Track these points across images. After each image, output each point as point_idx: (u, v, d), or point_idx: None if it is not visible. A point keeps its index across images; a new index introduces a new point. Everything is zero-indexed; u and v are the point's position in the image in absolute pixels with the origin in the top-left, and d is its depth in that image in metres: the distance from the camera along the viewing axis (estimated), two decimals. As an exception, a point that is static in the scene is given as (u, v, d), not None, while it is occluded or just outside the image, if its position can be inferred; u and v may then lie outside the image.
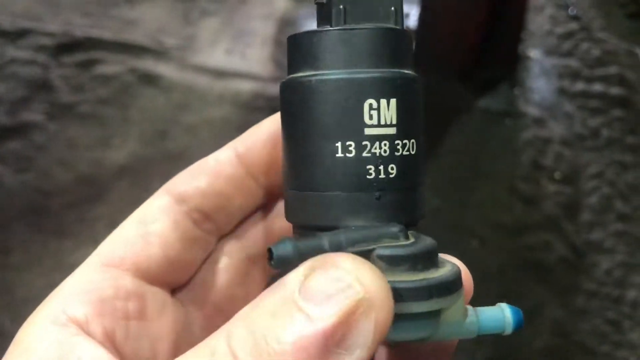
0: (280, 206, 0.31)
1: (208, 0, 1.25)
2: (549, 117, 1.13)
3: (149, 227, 0.28)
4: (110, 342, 0.26)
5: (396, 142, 0.24)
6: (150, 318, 0.28)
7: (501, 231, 1.00)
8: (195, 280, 0.30)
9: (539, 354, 0.91)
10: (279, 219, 0.31)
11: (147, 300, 0.28)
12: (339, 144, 0.24)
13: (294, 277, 0.22)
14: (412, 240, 0.24)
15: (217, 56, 1.17)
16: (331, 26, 0.25)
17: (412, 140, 0.25)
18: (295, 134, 0.26)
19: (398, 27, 0.25)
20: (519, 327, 0.26)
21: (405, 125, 0.25)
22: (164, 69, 1.15)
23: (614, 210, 1.02)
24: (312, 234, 0.24)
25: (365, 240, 0.23)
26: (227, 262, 0.31)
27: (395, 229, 0.24)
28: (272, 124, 0.30)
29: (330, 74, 0.24)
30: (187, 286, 0.30)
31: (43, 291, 0.27)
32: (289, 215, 0.27)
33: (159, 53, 1.17)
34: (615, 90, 1.14)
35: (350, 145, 0.24)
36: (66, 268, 0.28)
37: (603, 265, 0.97)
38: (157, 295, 0.28)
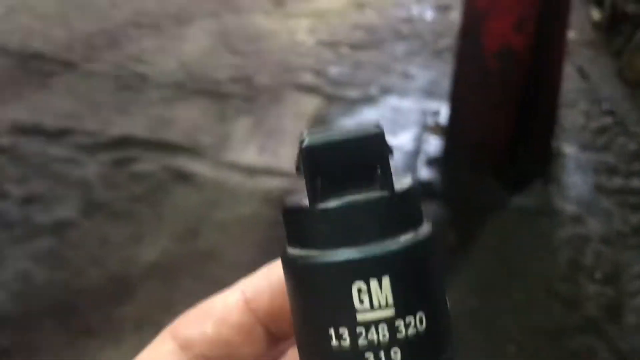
0: (286, 354, 0.30)
1: (242, 100, 1.28)
2: (586, 214, 1.10)
3: None
4: None
5: (396, 323, 0.22)
6: None
7: (539, 335, 0.95)
8: None
9: None
10: None
11: None
12: (332, 332, 0.23)
13: None
14: None
15: (249, 154, 1.19)
16: (309, 202, 0.23)
17: (420, 314, 0.23)
18: (294, 309, 0.25)
19: (384, 193, 0.23)
20: None
21: (406, 301, 0.23)
22: (198, 167, 1.17)
23: (661, 313, 0.97)
24: None
25: None
26: None
27: None
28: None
29: (313, 257, 0.23)
30: None
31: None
32: None
33: (193, 151, 1.20)
34: (654, 186, 1.12)
35: (344, 333, 0.23)
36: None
37: (652, 373, 0.91)
38: None
